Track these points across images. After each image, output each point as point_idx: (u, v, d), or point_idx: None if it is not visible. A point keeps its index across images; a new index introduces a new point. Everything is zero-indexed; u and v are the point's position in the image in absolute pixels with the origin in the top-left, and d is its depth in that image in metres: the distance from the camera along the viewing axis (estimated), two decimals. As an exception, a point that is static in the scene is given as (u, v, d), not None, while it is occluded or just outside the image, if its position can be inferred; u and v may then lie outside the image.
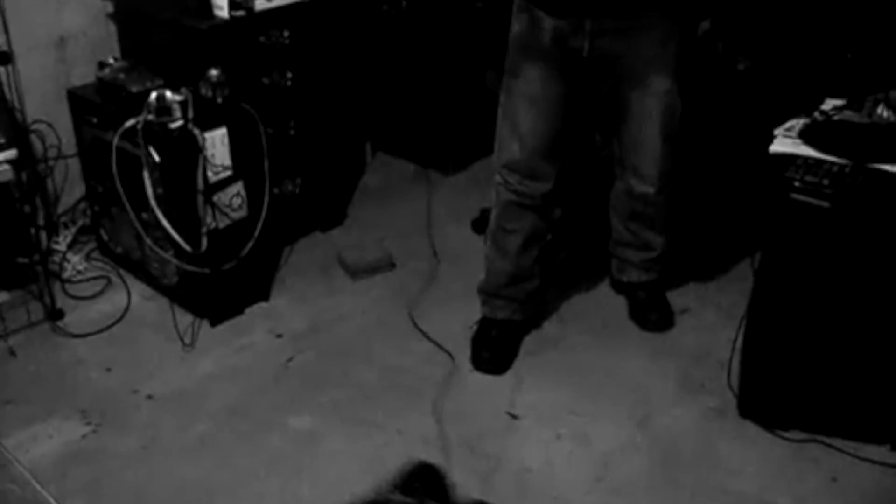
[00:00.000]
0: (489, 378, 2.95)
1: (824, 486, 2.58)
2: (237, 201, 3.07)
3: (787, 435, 2.70)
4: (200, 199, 2.97)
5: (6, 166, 2.91)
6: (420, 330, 3.12)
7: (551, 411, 2.81)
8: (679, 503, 2.54)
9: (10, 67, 3.19)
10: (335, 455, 2.70)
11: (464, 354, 3.01)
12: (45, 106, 3.38)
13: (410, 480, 2.18)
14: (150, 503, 2.55)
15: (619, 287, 3.24)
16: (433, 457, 2.66)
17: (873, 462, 2.61)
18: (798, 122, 2.60)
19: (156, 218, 3.04)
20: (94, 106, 3.22)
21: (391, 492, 2.13)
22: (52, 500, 1.27)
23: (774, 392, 2.71)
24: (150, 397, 2.90)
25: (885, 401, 2.61)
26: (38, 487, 1.28)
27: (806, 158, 2.47)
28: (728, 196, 3.41)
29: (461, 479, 2.59)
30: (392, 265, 3.44)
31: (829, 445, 2.66)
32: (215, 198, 3.00)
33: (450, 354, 3.01)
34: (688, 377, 2.93)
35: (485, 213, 3.20)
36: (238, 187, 3.06)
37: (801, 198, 2.44)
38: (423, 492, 2.14)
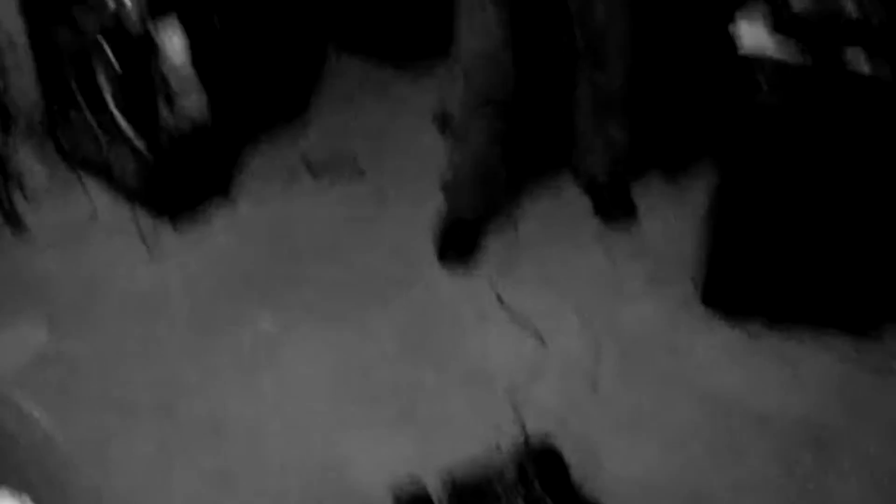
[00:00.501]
0: (454, 275, 2.95)
1: (787, 375, 2.63)
2: (196, 100, 3.01)
3: (750, 327, 2.73)
4: (159, 99, 2.91)
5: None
6: (385, 228, 3.12)
7: (516, 308, 2.82)
8: (645, 395, 2.58)
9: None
10: (301, 353, 2.71)
11: (429, 252, 3.01)
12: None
13: (527, 459, 2.17)
14: (119, 403, 2.56)
15: (583, 183, 3.22)
16: (396, 355, 2.69)
17: (834, 350, 2.66)
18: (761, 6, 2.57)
19: (115, 120, 2.98)
20: (51, 5, 3.12)
21: (506, 468, 2.14)
22: (21, 403, 1.27)
23: (737, 284, 2.75)
24: (114, 299, 2.89)
25: (846, 289, 2.65)
26: (9, 392, 1.28)
27: (772, 59, 2.46)
28: (693, 91, 3.38)
29: (424, 376, 2.63)
30: (356, 164, 3.40)
31: (792, 336, 2.70)
32: (174, 97, 2.94)
33: (415, 252, 3.01)
34: (652, 272, 2.95)
35: (448, 112, 3.17)
36: (196, 87, 3.00)
37: (763, 97, 2.44)
38: (539, 474, 2.14)
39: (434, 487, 2.16)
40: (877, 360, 2.63)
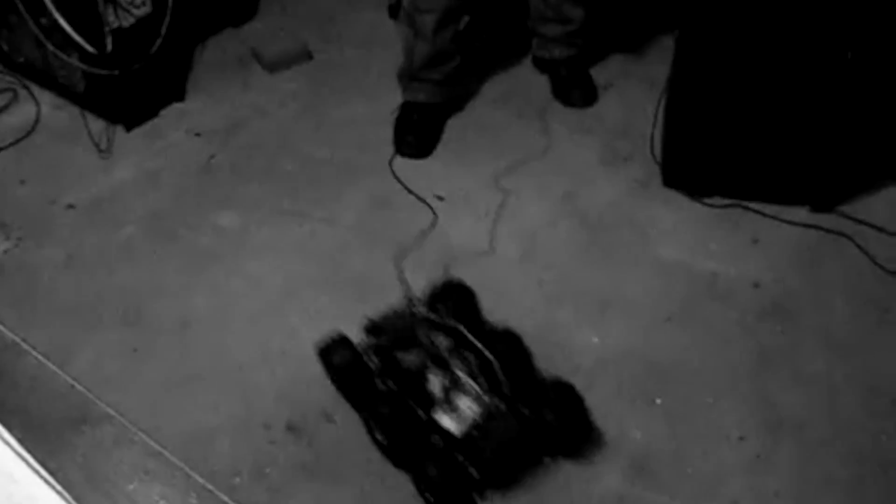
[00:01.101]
0: (413, 162, 2.93)
1: (746, 246, 2.65)
2: (138, -4, 2.92)
3: (709, 201, 2.75)
4: (99, -4, 2.82)
5: None
6: (340, 118, 3.07)
7: (477, 192, 2.82)
8: (607, 271, 2.60)
9: None
10: (264, 248, 2.70)
11: (387, 140, 2.98)
12: None
13: (439, 296, 2.31)
14: (82, 310, 2.54)
15: (541, 65, 3.19)
16: (361, 244, 2.69)
17: (793, 223, 2.69)
18: None
19: (55, 21, 2.88)
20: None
21: (417, 305, 2.27)
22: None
23: (696, 160, 2.74)
24: (70, 206, 2.84)
25: (804, 164, 2.66)
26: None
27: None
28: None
29: (388, 262, 2.63)
30: (309, 55, 3.34)
31: (751, 209, 2.72)
32: (115, -6, 2.85)
33: (372, 142, 2.98)
34: (612, 151, 2.94)
35: (400, -3, 3.10)
36: (138, -19, 2.91)
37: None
38: (449, 309, 2.26)
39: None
40: (833, 225, 2.66)
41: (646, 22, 3.35)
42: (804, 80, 2.50)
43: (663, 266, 2.60)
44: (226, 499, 1.03)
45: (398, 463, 2.13)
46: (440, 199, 2.80)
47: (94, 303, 2.56)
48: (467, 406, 2.09)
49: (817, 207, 2.71)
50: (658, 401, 2.29)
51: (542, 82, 3.17)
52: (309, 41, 3.39)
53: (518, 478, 2.12)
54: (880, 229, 2.65)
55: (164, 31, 3.00)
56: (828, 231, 2.65)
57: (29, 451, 1.05)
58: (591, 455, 2.16)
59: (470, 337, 2.16)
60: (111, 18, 2.86)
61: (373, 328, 2.26)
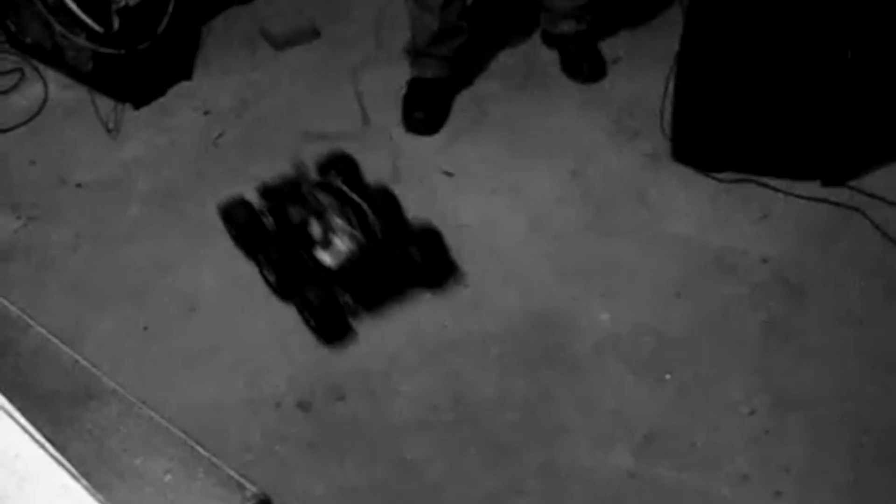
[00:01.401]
0: (422, 138, 2.93)
1: (756, 222, 2.63)
2: (144, -26, 2.91)
3: (719, 176, 2.73)
4: (105, -26, 2.82)
5: None
6: (349, 94, 3.06)
7: (486, 167, 2.81)
8: (616, 247, 2.59)
9: None
10: (273, 224, 2.70)
11: (396, 115, 2.97)
12: None
13: (327, 165, 2.65)
14: (93, 287, 2.56)
15: (549, 40, 3.17)
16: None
17: (803, 197, 2.66)
18: None
19: (62, 1, 2.89)
20: None
21: (304, 170, 2.58)
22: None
23: (706, 135, 2.72)
24: (79, 185, 2.85)
25: (815, 137, 2.63)
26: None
27: None
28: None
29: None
30: (317, 33, 3.33)
31: (761, 184, 2.70)
32: (120, -28, 2.85)
33: (381, 117, 2.97)
34: (621, 125, 2.92)
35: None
36: (143, -40, 2.90)
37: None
38: (336, 175, 2.58)
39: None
40: (844, 199, 2.64)
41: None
42: (815, 52, 2.47)
43: (673, 241, 2.59)
44: (233, 473, 1.03)
45: (284, 296, 2.44)
46: (448, 174, 2.80)
47: (103, 281, 2.58)
48: (341, 244, 2.42)
49: (828, 181, 2.68)
50: (668, 376, 2.28)
51: (550, 57, 3.15)
52: (316, 18, 3.37)
53: (386, 303, 2.43)
54: (892, 203, 2.62)
55: (170, 9, 3.00)
56: (839, 205, 2.63)
57: (36, 427, 1.05)
58: (449, 288, 2.48)
59: (345, 188, 2.49)
60: (117, -5, 2.86)
61: (265, 191, 2.58)
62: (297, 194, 2.52)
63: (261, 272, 2.49)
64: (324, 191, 2.51)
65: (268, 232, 2.53)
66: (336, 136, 2.88)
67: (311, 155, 2.67)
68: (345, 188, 2.50)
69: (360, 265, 2.41)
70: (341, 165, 2.64)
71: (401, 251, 2.43)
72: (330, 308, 2.37)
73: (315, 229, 2.44)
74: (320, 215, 2.46)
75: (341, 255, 2.41)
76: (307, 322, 2.38)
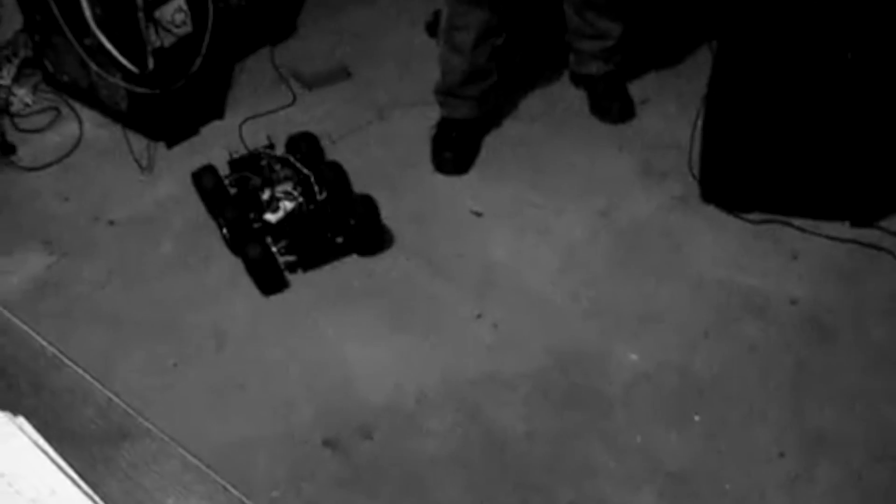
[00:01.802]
0: (452, 178, 2.95)
1: (785, 262, 2.63)
2: (180, 17, 2.95)
3: (748, 217, 2.73)
4: (141, 16, 2.86)
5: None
6: (379, 133, 3.09)
7: (515, 207, 2.83)
8: (645, 287, 2.59)
9: None
10: (302, 265, 2.72)
11: (425, 155, 2.99)
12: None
13: (293, 143, 2.92)
14: (126, 323, 2.59)
15: (578, 80, 3.19)
16: (399, 255, 2.70)
17: (832, 238, 2.66)
18: None
19: (98, 41, 2.93)
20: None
21: (269, 146, 2.91)
22: (24, 326, 1.26)
23: (735, 175, 2.73)
24: (112, 223, 2.89)
25: (843, 178, 2.64)
26: (8, 314, 1.27)
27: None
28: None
29: (427, 278, 2.64)
30: (347, 73, 3.36)
31: (790, 225, 2.70)
32: (157, 14, 2.88)
33: (411, 157, 3.00)
34: (650, 166, 2.93)
35: (437, 15, 3.11)
36: (180, 2, 2.93)
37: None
38: (302, 152, 2.86)
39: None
40: (873, 240, 2.63)
41: (682, 36, 3.34)
42: (843, 93, 2.48)
43: (701, 281, 2.59)
44: (262, 512, 1.04)
45: (236, 252, 2.71)
46: (477, 214, 2.81)
47: (133, 317, 2.60)
48: (283, 205, 2.71)
49: (857, 222, 2.68)
50: (696, 417, 2.28)
51: (579, 98, 3.17)
52: (347, 58, 3.41)
53: (321, 262, 2.70)
54: (921, 244, 2.62)
55: (204, 50, 3.04)
56: (867, 246, 2.63)
57: (69, 464, 1.06)
58: (381, 252, 2.73)
59: (292, 159, 2.82)
60: (153, 38, 2.91)
61: (232, 162, 2.89)
62: (258, 166, 2.83)
63: (220, 231, 2.78)
64: (280, 163, 2.82)
65: (229, 196, 2.83)
66: (365, 175, 2.92)
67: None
68: (293, 160, 2.82)
69: (297, 221, 2.70)
70: (304, 144, 2.91)
71: (338, 212, 2.71)
72: (267, 261, 2.65)
73: (266, 194, 2.74)
74: (272, 184, 2.76)
75: (281, 214, 2.71)
76: (250, 274, 2.67)
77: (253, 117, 3.14)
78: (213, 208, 2.84)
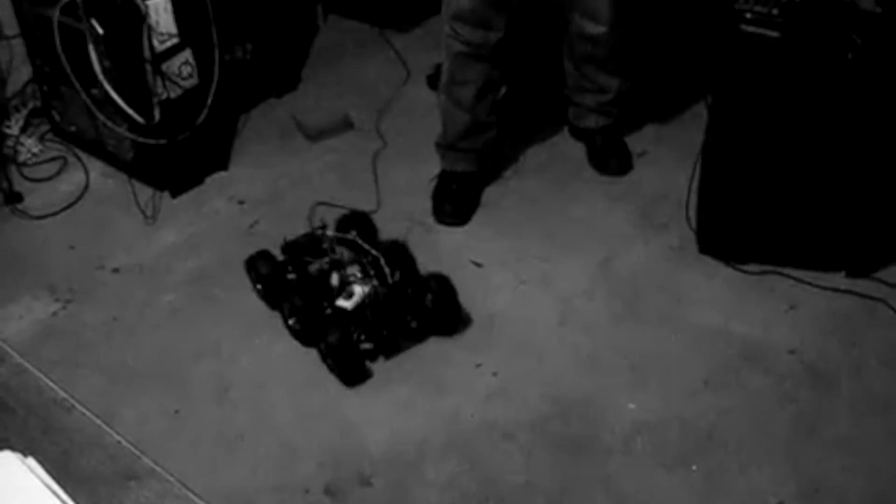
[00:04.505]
0: (452, 229, 2.99)
1: (782, 313, 2.65)
2: (187, 69, 3.02)
3: (745, 268, 2.76)
4: (149, 69, 2.92)
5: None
6: (381, 186, 3.13)
7: (515, 258, 2.86)
8: (643, 338, 2.61)
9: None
10: (304, 314, 2.74)
11: (426, 208, 3.03)
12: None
13: (345, 223, 2.81)
14: (128, 371, 2.60)
15: (576, 133, 3.24)
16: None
17: (828, 289, 2.69)
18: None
19: (106, 93, 2.99)
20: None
21: (324, 227, 2.77)
22: (34, 370, 1.29)
23: (732, 227, 2.76)
24: (116, 271, 2.92)
25: (839, 229, 2.66)
26: (19, 358, 1.30)
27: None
28: (682, 34, 3.38)
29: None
30: (350, 125, 3.42)
31: (786, 275, 2.73)
32: (164, 67, 2.94)
33: (412, 209, 3.03)
34: (647, 218, 2.97)
35: (439, 69, 3.17)
36: (186, 55, 3.00)
37: (752, 29, 2.43)
38: (355, 233, 2.74)
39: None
40: (869, 291, 2.66)
41: (679, 90, 3.39)
42: (838, 145, 2.52)
43: (699, 332, 2.61)
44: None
45: (307, 342, 2.59)
46: (478, 265, 2.84)
47: (137, 365, 2.62)
48: (358, 290, 2.55)
49: (853, 273, 2.71)
50: (694, 467, 2.28)
51: (577, 150, 3.22)
52: (350, 111, 3.47)
53: (401, 347, 2.58)
54: (917, 295, 2.64)
55: (209, 101, 3.10)
56: (863, 296, 2.65)
57: (78, 505, 1.09)
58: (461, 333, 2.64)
59: (359, 241, 2.68)
60: (160, 90, 2.96)
61: (287, 246, 2.75)
62: (317, 248, 2.71)
63: (285, 321, 2.64)
64: (341, 245, 2.70)
65: (290, 283, 2.69)
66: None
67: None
68: (360, 241, 2.67)
69: (375, 306, 2.54)
70: (358, 223, 2.80)
71: (413, 294, 2.58)
72: (348, 350, 2.52)
73: (334, 279, 2.60)
74: (339, 267, 2.63)
75: (357, 300, 2.54)
76: (328, 365, 2.54)
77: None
78: (272, 297, 2.71)
